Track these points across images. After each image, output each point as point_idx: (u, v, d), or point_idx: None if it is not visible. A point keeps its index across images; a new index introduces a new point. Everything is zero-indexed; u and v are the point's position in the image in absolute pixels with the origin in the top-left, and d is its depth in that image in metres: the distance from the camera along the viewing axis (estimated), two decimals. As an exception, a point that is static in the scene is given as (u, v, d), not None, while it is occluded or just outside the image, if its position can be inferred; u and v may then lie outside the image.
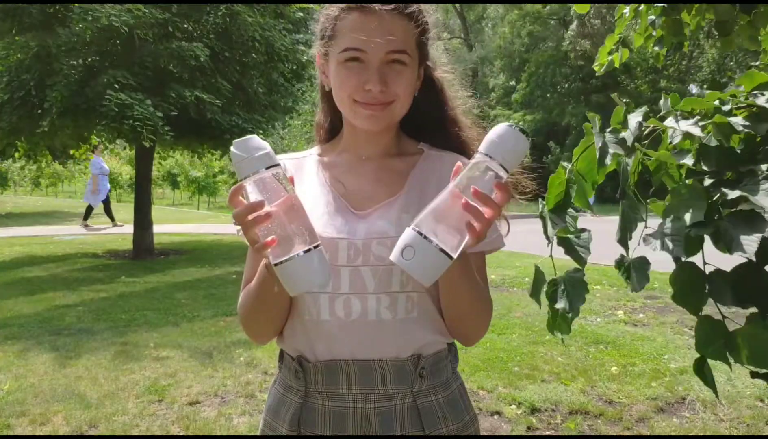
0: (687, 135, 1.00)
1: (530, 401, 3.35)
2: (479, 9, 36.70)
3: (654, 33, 2.30)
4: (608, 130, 1.07)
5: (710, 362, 0.99)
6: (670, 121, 1.02)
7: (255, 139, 0.81)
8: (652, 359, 4.13)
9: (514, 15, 30.65)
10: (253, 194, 0.80)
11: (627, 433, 3.03)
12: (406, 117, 1.03)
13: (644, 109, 1.08)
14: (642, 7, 2.32)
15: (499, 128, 0.79)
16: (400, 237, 0.80)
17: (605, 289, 6.52)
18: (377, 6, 0.93)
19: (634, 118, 1.05)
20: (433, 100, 1.07)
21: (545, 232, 1.12)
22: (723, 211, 0.95)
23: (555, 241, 1.13)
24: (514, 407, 3.31)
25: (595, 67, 2.58)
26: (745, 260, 0.95)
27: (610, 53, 2.48)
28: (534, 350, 4.31)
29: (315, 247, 0.80)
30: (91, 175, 13.01)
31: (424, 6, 1.00)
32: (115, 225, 13.20)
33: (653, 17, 2.27)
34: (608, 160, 1.02)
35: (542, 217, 1.13)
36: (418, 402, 0.97)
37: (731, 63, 21.93)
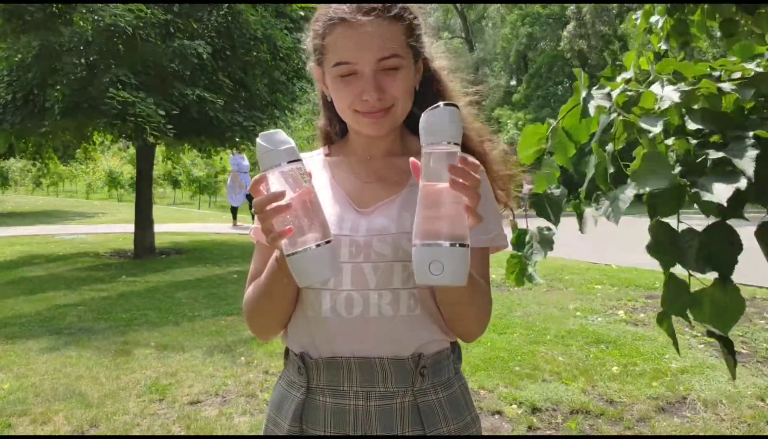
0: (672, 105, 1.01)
1: (531, 401, 3.35)
2: (480, 8, 36.70)
3: (661, 33, 2.32)
4: (596, 86, 1.09)
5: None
6: (654, 87, 1.03)
7: (281, 133, 0.84)
8: (653, 358, 4.13)
9: (514, 15, 30.67)
10: (274, 185, 0.83)
11: (628, 433, 3.03)
12: (410, 114, 1.04)
13: (632, 71, 1.09)
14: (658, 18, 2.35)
15: (428, 115, 0.79)
16: (412, 260, 0.79)
17: (606, 288, 6.52)
18: (360, 16, 0.93)
19: (620, 77, 1.07)
20: (433, 92, 1.07)
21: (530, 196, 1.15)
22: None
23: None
24: (514, 406, 3.31)
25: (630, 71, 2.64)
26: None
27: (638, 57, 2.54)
28: (535, 350, 4.31)
29: (327, 242, 0.83)
30: (232, 172, 13.10)
31: (408, 5, 1.00)
32: (235, 225, 13.28)
33: (657, 17, 2.29)
34: (592, 112, 1.03)
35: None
36: (419, 401, 0.97)
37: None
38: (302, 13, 9.14)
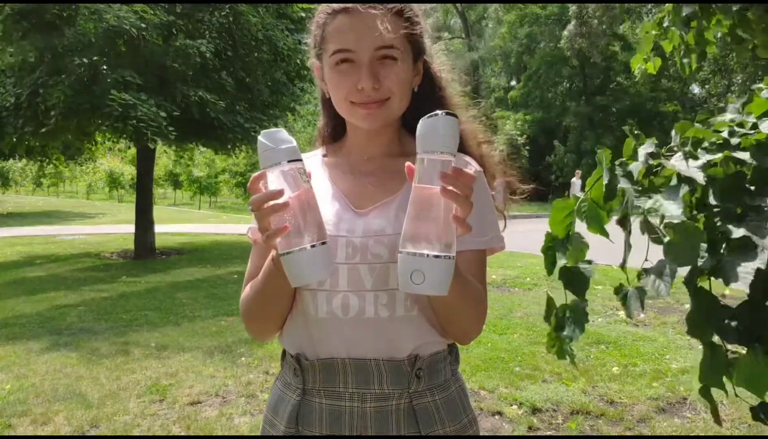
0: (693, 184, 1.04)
1: (531, 402, 3.35)
2: (480, 9, 36.70)
3: (683, 45, 2.35)
4: (618, 162, 1.12)
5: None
6: (676, 159, 1.06)
7: (283, 132, 0.84)
8: (653, 359, 4.12)
9: (512, 15, 30.68)
10: (273, 184, 0.83)
11: (628, 433, 3.03)
12: (408, 115, 1.03)
13: (652, 141, 1.12)
14: (668, 23, 2.37)
15: (426, 122, 0.79)
16: (398, 265, 0.80)
17: (607, 289, 6.51)
18: (360, 6, 0.94)
19: (643, 151, 1.09)
20: (433, 95, 1.07)
21: (548, 265, 1.19)
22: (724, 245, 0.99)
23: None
24: (515, 407, 3.31)
25: (635, 73, 2.68)
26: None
27: (645, 61, 2.58)
28: (535, 350, 4.31)
29: (323, 243, 0.83)
30: None
31: (410, 4, 1.00)
32: None
33: (669, 24, 2.32)
34: (615, 194, 1.08)
35: (549, 247, 1.20)
36: (415, 403, 0.97)
37: (732, 63, 21.90)
38: (303, 15, 9.15)
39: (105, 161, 25.59)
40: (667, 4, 2.40)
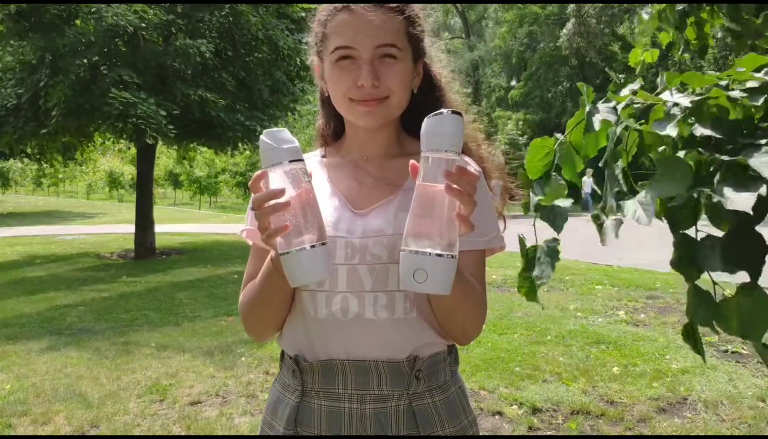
0: (683, 111, 0.97)
1: (531, 401, 3.35)
2: (480, 8, 36.72)
3: (680, 36, 2.35)
4: (602, 100, 1.07)
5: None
6: (664, 95, 1.01)
7: (285, 132, 0.84)
8: (653, 359, 4.12)
9: (511, 15, 30.71)
10: (274, 183, 0.83)
11: (628, 433, 3.03)
12: (407, 116, 1.03)
13: (639, 81, 1.07)
14: (663, 18, 2.38)
15: (431, 121, 0.79)
16: (399, 265, 0.80)
17: (607, 289, 6.52)
18: (363, 5, 0.95)
19: (627, 89, 1.04)
20: (432, 97, 1.07)
21: (525, 204, 1.12)
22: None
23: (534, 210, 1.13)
24: (515, 407, 3.31)
25: (632, 64, 2.69)
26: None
27: (642, 53, 2.59)
28: (535, 350, 4.31)
29: (322, 244, 0.83)
30: None
31: (411, 5, 1.01)
32: None
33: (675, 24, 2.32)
34: (596, 126, 1.02)
35: (524, 185, 1.13)
36: (414, 404, 0.97)
37: (732, 63, 21.88)
38: (303, 15, 9.17)
39: (105, 161, 25.65)
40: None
